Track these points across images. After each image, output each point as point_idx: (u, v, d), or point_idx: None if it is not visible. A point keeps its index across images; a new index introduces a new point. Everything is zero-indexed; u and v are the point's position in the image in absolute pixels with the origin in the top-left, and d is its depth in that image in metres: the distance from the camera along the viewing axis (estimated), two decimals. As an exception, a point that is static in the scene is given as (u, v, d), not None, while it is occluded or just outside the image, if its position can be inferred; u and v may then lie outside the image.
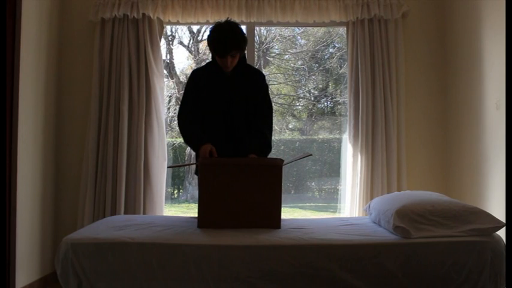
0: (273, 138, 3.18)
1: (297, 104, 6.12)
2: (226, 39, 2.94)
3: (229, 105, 3.10)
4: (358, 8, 4.26)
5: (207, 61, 3.35)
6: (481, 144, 3.79)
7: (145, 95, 4.24)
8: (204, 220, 2.77)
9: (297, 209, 5.68)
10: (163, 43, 4.96)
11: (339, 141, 4.83)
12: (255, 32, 4.68)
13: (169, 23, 4.46)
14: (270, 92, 3.28)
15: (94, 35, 4.31)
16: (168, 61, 6.42)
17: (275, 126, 5.06)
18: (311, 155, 3.10)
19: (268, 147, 3.11)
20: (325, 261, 2.44)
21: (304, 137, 5.80)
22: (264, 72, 4.13)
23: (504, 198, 3.38)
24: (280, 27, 5.18)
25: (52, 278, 4.08)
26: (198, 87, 3.14)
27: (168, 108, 6.61)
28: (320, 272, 2.43)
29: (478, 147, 3.82)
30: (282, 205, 2.80)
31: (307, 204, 5.65)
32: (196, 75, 3.19)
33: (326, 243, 2.50)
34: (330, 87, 5.63)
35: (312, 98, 5.78)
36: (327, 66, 5.54)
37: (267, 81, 3.25)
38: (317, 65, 5.65)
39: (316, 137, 5.63)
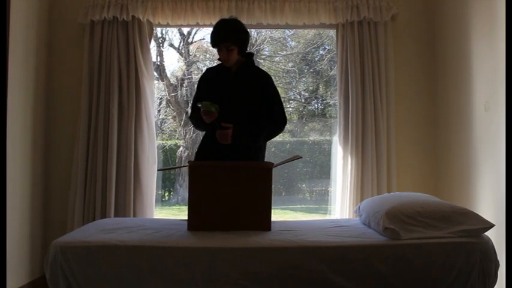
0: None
1: (288, 106, 6.12)
2: (220, 30, 3.05)
3: (229, 102, 3.05)
4: (347, 11, 4.27)
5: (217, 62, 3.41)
6: (470, 145, 3.81)
7: (135, 97, 4.23)
8: (194, 223, 2.77)
9: (288, 211, 5.68)
10: (153, 45, 4.95)
11: (329, 143, 4.84)
12: (245, 34, 4.68)
13: (159, 25, 4.45)
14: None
15: (83, 37, 4.28)
16: (158, 63, 6.41)
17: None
18: (301, 157, 3.10)
19: (247, 139, 3.01)
20: (315, 263, 2.45)
21: (295, 138, 5.80)
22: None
23: (492, 200, 3.40)
24: (270, 29, 5.18)
25: (41, 282, 4.04)
26: (205, 84, 3.21)
27: (159, 111, 6.60)
28: (310, 274, 2.44)
29: (467, 149, 3.85)
30: (273, 207, 2.80)
31: (298, 206, 5.65)
32: (207, 72, 3.29)
33: (316, 245, 2.51)
34: (321, 89, 5.64)
35: (303, 100, 5.79)
36: (317, 68, 5.56)
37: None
38: (307, 67, 5.66)
39: (306, 139, 5.64)
